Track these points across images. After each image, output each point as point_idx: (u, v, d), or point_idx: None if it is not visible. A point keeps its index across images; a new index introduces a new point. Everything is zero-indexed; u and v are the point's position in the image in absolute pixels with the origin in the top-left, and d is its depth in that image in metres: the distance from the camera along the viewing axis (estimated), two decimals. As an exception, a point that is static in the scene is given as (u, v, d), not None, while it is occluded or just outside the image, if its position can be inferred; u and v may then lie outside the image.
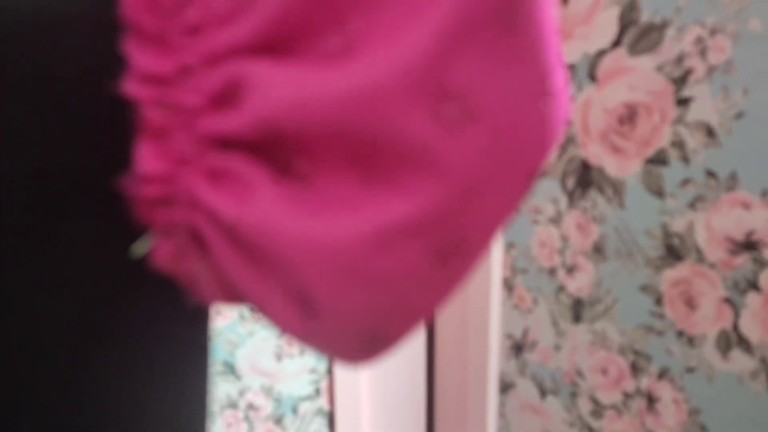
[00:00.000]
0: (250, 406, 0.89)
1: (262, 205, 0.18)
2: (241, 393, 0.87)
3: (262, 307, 0.21)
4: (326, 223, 0.17)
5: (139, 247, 0.20)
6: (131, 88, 0.17)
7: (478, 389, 0.93)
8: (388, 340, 0.20)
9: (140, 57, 0.17)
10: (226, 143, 0.18)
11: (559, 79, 0.18)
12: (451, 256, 0.19)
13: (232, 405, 0.87)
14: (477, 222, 0.18)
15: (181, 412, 0.25)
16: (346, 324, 0.19)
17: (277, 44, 0.16)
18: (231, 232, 0.18)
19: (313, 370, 0.99)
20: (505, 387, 0.90)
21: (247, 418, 0.88)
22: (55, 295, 0.19)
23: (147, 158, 0.18)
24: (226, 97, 0.17)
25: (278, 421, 0.99)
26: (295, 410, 0.99)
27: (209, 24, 0.17)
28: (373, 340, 0.21)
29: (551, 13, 0.17)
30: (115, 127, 0.18)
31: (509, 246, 0.86)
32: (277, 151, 0.18)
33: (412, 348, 1.01)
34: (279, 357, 0.99)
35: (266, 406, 0.94)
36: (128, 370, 0.22)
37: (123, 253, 0.20)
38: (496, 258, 0.86)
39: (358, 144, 0.17)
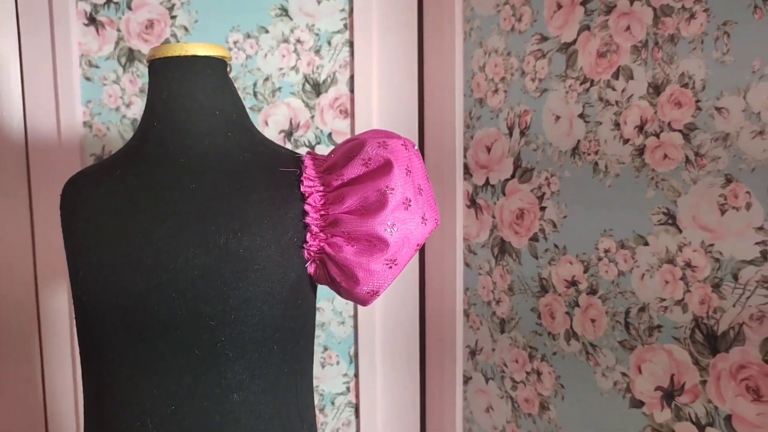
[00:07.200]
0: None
1: (344, 253, 0.67)
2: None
3: (342, 286, 0.69)
4: (364, 258, 0.66)
5: (306, 265, 0.69)
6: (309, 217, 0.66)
7: (450, 383, 1.24)
8: (378, 294, 0.68)
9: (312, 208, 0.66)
10: (333, 235, 0.67)
11: (435, 215, 0.68)
12: (393, 265, 0.68)
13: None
14: (403, 256, 0.67)
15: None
16: (366, 289, 0.67)
17: (352, 212, 0.66)
18: (335, 262, 0.67)
19: (345, 374, 1.37)
20: (466, 380, 1.21)
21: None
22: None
23: (310, 237, 0.67)
24: (335, 224, 0.67)
25: (321, 409, 1.35)
26: (333, 402, 1.37)
27: (332, 204, 0.66)
28: (375, 293, 0.69)
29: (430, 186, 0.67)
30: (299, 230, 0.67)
31: (466, 289, 1.20)
32: (349, 239, 0.67)
33: (409, 356, 1.34)
34: (323, 365, 1.37)
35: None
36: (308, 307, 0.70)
37: (304, 268, 0.69)
38: (459, 297, 1.21)
39: (368, 238, 0.66)
